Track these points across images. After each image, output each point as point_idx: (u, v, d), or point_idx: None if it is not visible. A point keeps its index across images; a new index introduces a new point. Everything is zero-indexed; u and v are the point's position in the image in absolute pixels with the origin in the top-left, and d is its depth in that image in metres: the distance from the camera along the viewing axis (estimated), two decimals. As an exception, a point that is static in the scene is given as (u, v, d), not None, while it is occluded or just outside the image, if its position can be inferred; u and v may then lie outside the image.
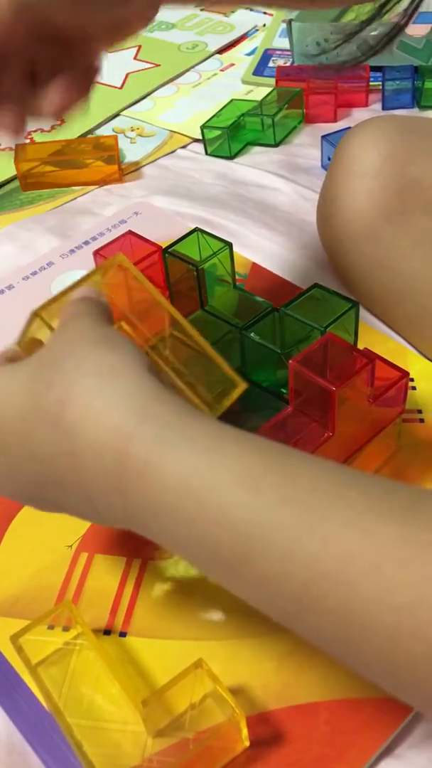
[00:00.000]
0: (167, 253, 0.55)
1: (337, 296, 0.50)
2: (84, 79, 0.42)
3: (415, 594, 0.24)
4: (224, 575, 0.28)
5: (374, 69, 0.88)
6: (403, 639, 0.24)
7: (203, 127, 0.83)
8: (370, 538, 0.25)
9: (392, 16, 0.45)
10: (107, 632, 0.44)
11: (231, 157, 0.83)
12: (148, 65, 1.00)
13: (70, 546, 0.48)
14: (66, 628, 0.44)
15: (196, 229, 0.56)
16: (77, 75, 0.42)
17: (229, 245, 0.55)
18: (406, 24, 0.48)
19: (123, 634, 0.44)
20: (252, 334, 0.52)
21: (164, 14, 1.11)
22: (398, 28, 0.48)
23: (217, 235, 0.57)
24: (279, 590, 0.27)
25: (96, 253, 0.57)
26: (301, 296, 0.50)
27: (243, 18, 1.09)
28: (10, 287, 0.68)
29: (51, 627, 0.44)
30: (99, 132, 0.89)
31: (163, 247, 0.57)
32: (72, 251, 0.71)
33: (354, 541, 0.25)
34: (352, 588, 0.25)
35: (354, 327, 0.51)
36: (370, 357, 0.47)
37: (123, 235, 0.58)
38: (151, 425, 0.29)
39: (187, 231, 0.57)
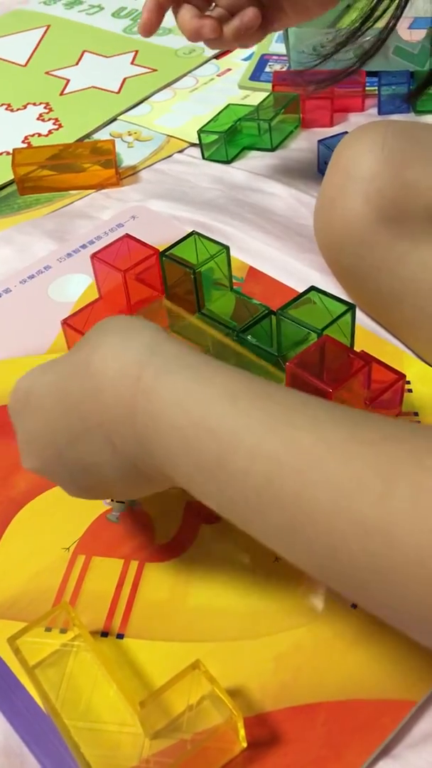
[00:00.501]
0: (164, 256, 0.55)
1: (334, 299, 0.51)
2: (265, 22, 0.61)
3: (355, 484, 0.28)
4: (206, 478, 0.32)
5: (370, 74, 0.88)
6: (341, 522, 0.28)
7: (200, 132, 0.83)
8: (322, 439, 0.29)
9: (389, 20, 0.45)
10: (104, 634, 0.44)
11: (228, 162, 0.83)
12: (146, 70, 1.00)
13: (68, 548, 0.48)
14: (63, 630, 0.44)
15: (193, 233, 0.56)
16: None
17: (226, 248, 0.55)
18: (394, 26, 0.48)
19: (120, 636, 0.44)
20: (249, 337, 0.52)
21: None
22: (388, 30, 0.49)
23: (213, 238, 0.57)
24: (245, 485, 0.30)
25: (93, 256, 0.57)
26: (297, 299, 0.51)
27: (240, 23, 1.09)
28: (7, 291, 0.68)
29: (48, 629, 0.44)
30: (96, 136, 0.90)
31: (160, 250, 0.57)
32: (69, 255, 0.71)
33: (308, 441, 0.29)
34: (303, 478, 0.29)
35: (350, 330, 0.51)
36: (367, 359, 0.47)
37: (120, 239, 0.58)
38: (159, 358, 0.34)
39: (184, 234, 0.58)
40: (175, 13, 0.65)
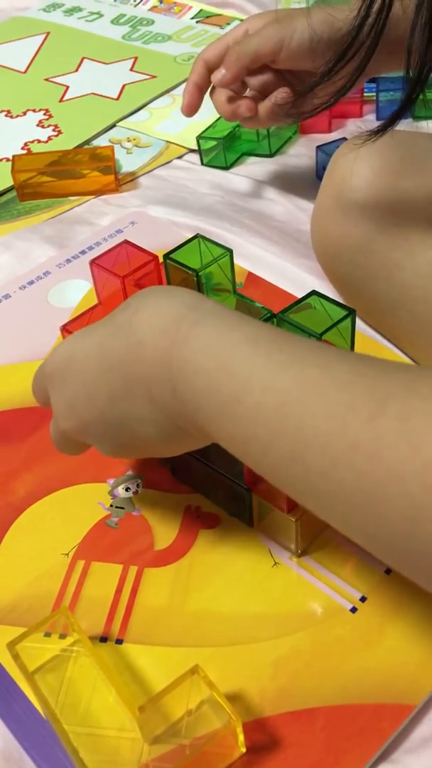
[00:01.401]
0: (168, 258, 0.56)
1: (335, 304, 0.51)
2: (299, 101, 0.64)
3: (348, 407, 0.29)
4: (224, 419, 0.34)
5: (369, 80, 0.88)
6: (335, 443, 0.29)
7: (199, 138, 0.84)
8: (328, 373, 0.31)
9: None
10: (104, 639, 0.44)
11: (226, 168, 0.84)
12: (145, 77, 1.01)
13: (67, 554, 0.48)
14: (63, 636, 0.44)
15: (197, 236, 0.56)
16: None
17: (230, 252, 0.55)
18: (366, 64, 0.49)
19: (119, 641, 0.44)
20: None
21: (160, 26, 1.12)
22: (359, 72, 0.49)
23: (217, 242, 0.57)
24: (256, 420, 0.32)
25: (92, 262, 0.57)
26: (298, 303, 0.51)
27: (238, 30, 1.09)
28: (6, 296, 0.69)
29: (48, 634, 0.44)
30: (95, 143, 0.90)
31: (162, 254, 0.58)
32: (68, 261, 0.72)
33: (315, 374, 0.31)
34: (306, 408, 0.30)
35: (351, 335, 0.51)
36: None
37: (119, 245, 0.58)
38: (196, 312, 0.36)
39: (183, 240, 0.58)
40: (212, 94, 0.70)
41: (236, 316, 0.36)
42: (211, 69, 0.69)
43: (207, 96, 0.71)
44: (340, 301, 0.62)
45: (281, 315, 0.50)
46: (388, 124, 0.50)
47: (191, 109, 0.72)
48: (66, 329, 0.55)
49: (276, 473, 0.33)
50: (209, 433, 0.36)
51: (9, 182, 0.82)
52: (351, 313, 0.49)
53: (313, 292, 0.51)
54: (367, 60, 0.47)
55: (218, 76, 0.68)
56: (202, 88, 0.71)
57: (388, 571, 0.45)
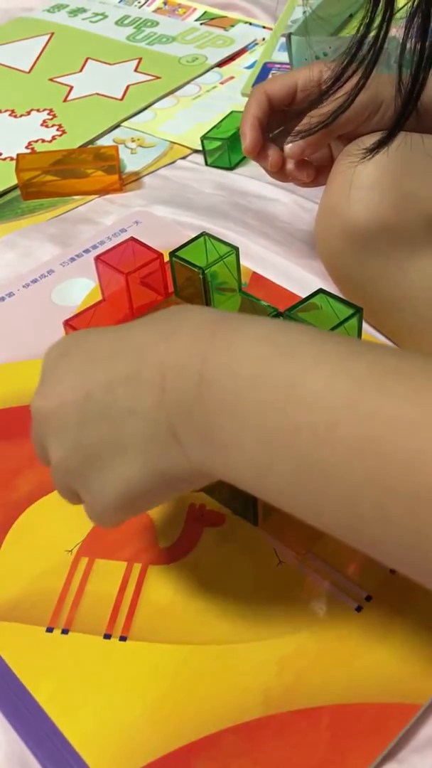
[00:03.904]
0: (174, 256, 0.56)
1: (341, 302, 0.51)
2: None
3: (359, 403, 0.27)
4: (275, 406, 0.30)
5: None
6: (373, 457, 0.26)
7: (203, 138, 0.84)
8: (406, 360, 0.28)
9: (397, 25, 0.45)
10: (107, 636, 0.44)
11: (231, 168, 0.84)
12: (149, 77, 1.01)
13: (70, 551, 0.48)
14: (65, 631, 0.44)
15: (203, 234, 0.56)
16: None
17: (236, 249, 0.55)
18: (363, 85, 0.49)
19: (123, 639, 0.44)
20: None
21: (164, 28, 1.12)
22: (357, 90, 0.49)
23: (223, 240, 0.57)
24: (318, 407, 0.28)
25: (97, 258, 0.57)
26: (305, 301, 0.51)
27: (242, 32, 1.10)
28: (10, 294, 0.68)
29: (50, 629, 0.43)
30: (100, 142, 0.90)
31: (164, 255, 0.57)
32: (72, 259, 0.71)
33: (394, 361, 0.28)
34: (385, 393, 0.27)
35: (357, 333, 0.51)
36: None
37: (125, 241, 0.58)
38: (240, 316, 0.34)
39: (188, 240, 0.58)
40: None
41: (291, 322, 0.34)
42: (273, 105, 0.62)
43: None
44: (345, 300, 0.62)
45: (288, 312, 0.50)
46: (383, 141, 0.50)
47: (256, 146, 0.62)
48: (69, 324, 0.55)
49: (327, 474, 0.28)
50: (223, 439, 0.31)
51: (13, 181, 0.82)
52: (358, 311, 0.49)
53: (320, 290, 0.51)
54: (366, 77, 0.47)
55: (296, 149, 0.60)
56: (263, 123, 0.62)
57: (394, 570, 0.45)
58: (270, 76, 0.97)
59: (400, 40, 0.42)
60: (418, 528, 0.26)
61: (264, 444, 0.30)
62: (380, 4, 0.42)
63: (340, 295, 0.63)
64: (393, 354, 0.29)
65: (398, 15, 0.42)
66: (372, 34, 0.43)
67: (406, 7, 0.41)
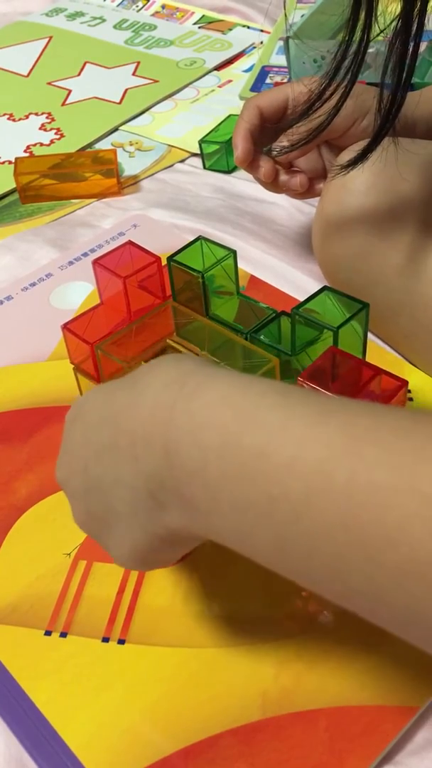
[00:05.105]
0: (172, 261, 0.56)
1: (347, 298, 0.51)
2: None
3: (411, 462, 0.25)
4: (244, 477, 0.29)
5: (370, 85, 0.88)
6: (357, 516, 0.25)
7: (201, 142, 0.84)
8: (379, 420, 0.27)
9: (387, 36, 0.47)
10: (106, 639, 0.44)
11: (228, 171, 0.84)
12: (147, 81, 1.01)
13: (69, 554, 0.48)
14: (63, 635, 0.44)
15: (199, 237, 0.56)
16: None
17: (233, 253, 0.55)
18: (344, 101, 0.50)
19: (121, 642, 0.44)
20: (261, 337, 0.52)
21: (162, 31, 1.12)
22: (335, 111, 0.51)
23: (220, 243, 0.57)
24: (291, 477, 0.27)
25: (95, 262, 0.57)
26: (311, 299, 0.51)
27: (240, 35, 1.10)
28: (8, 298, 0.68)
29: (48, 633, 0.44)
30: (98, 146, 0.90)
31: (162, 258, 0.58)
32: (70, 263, 0.72)
33: (366, 422, 0.27)
34: (361, 460, 0.26)
35: (364, 328, 0.51)
36: (376, 370, 0.47)
37: (123, 245, 0.58)
38: (209, 369, 0.33)
39: (185, 243, 0.58)
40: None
41: (253, 377, 0.32)
42: (265, 117, 0.63)
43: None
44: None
45: (295, 310, 0.50)
46: (359, 159, 0.51)
47: (247, 157, 0.63)
48: (67, 328, 0.55)
49: (310, 545, 0.27)
50: (200, 506, 0.31)
51: (11, 185, 0.82)
52: (365, 306, 0.49)
53: (325, 288, 0.51)
54: (343, 100, 0.49)
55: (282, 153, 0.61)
56: (255, 134, 0.63)
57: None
58: (268, 79, 0.97)
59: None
60: (409, 604, 0.25)
61: (241, 513, 0.29)
62: (360, 21, 0.42)
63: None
64: (364, 412, 0.27)
65: (381, 21, 0.43)
66: (353, 49, 0.45)
67: (391, 25, 0.42)
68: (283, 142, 0.60)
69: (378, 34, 0.44)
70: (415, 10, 0.41)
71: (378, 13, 0.43)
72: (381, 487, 0.25)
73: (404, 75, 0.44)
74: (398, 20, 0.42)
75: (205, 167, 0.85)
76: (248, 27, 1.12)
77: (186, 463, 0.31)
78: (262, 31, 1.10)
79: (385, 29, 0.43)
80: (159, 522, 0.34)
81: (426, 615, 0.24)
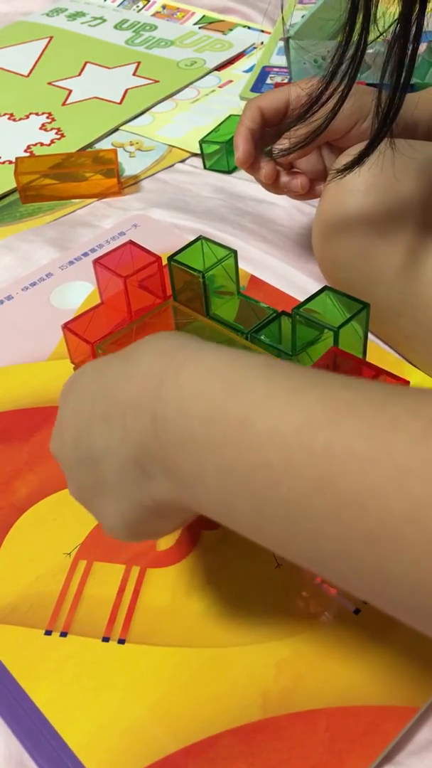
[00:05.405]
0: (173, 260, 0.56)
1: (348, 298, 0.51)
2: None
3: (387, 432, 0.26)
4: (227, 444, 0.30)
5: (370, 86, 0.88)
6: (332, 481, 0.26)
7: (202, 142, 0.84)
8: (359, 392, 0.28)
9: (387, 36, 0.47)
10: (106, 639, 0.44)
11: (229, 172, 0.84)
12: (148, 81, 1.01)
13: (69, 554, 0.48)
14: (64, 634, 0.44)
15: (200, 237, 0.56)
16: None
17: (234, 252, 0.55)
18: (326, 125, 0.51)
19: (122, 642, 0.44)
20: (262, 337, 0.52)
21: (163, 32, 1.12)
22: (332, 115, 0.51)
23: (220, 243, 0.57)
24: (272, 445, 0.28)
25: (96, 261, 0.57)
26: (311, 299, 0.51)
27: (241, 36, 1.10)
28: (9, 298, 0.68)
29: (48, 632, 0.44)
30: (98, 146, 0.90)
31: (162, 258, 0.58)
32: (71, 263, 0.72)
33: (346, 394, 0.28)
34: (338, 430, 0.27)
35: (365, 328, 0.51)
36: (377, 370, 0.47)
37: (123, 245, 0.58)
38: (199, 343, 0.34)
39: (185, 243, 0.58)
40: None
41: (241, 350, 0.33)
42: (266, 118, 0.63)
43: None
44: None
45: (296, 310, 0.50)
46: (356, 162, 0.51)
47: (248, 158, 0.63)
48: (68, 327, 0.55)
49: (288, 511, 0.28)
50: (184, 476, 0.31)
51: (12, 184, 0.82)
52: (365, 306, 0.49)
53: (326, 288, 0.51)
54: (340, 104, 0.49)
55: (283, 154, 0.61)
56: (256, 135, 0.63)
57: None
58: (268, 80, 0.97)
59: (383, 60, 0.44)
60: (380, 564, 0.25)
61: (223, 482, 0.30)
62: (357, 23, 0.43)
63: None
64: (345, 386, 0.28)
65: (380, 24, 0.43)
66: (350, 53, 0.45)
67: (389, 29, 0.42)
68: (284, 143, 0.60)
69: (375, 39, 0.44)
70: (414, 14, 0.41)
71: (377, 17, 0.43)
72: (357, 455, 0.26)
73: (402, 79, 0.44)
74: (396, 24, 0.42)
75: (205, 167, 0.85)
76: (249, 27, 1.12)
77: (172, 432, 0.31)
78: (262, 31, 1.10)
79: (382, 33, 0.43)
80: (146, 492, 0.34)
81: (394, 576, 0.25)
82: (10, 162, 0.87)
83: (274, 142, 0.63)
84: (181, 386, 0.32)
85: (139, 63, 1.05)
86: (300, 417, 0.27)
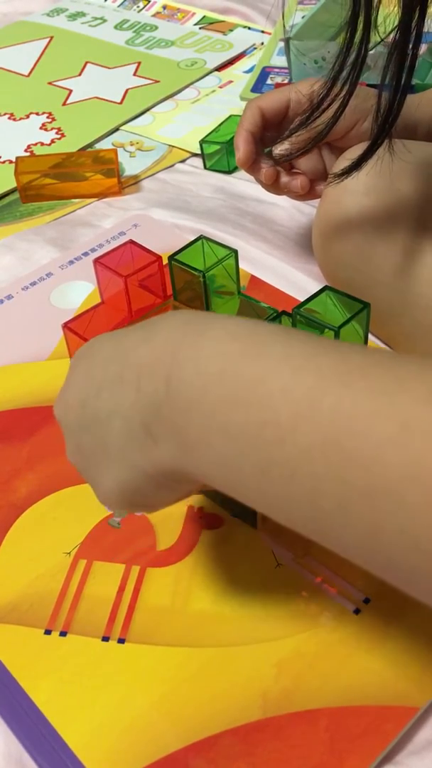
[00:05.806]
0: (173, 260, 0.56)
1: (348, 298, 0.51)
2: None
3: (393, 392, 0.27)
4: (239, 402, 0.30)
5: (370, 87, 0.88)
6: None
7: (202, 142, 0.84)
8: (370, 357, 0.29)
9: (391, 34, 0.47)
10: (105, 639, 0.44)
11: (229, 172, 0.84)
12: (148, 81, 1.01)
13: (69, 553, 0.48)
14: (63, 634, 0.43)
15: (200, 237, 0.56)
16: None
17: (234, 252, 0.55)
18: (342, 110, 0.51)
19: (121, 641, 0.44)
20: None
21: (163, 32, 1.12)
22: (334, 120, 0.51)
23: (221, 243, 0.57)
24: (283, 402, 0.29)
25: (96, 261, 0.57)
26: (312, 299, 0.51)
27: (241, 36, 1.10)
28: (9, 297, 0.68)
29: (48, 632, 0.43)
30: (99, 146, 0.90)
31: (162, 258, 0.58)
32: (71, 262, 0.72)
33: (358, 358, 0.29)
34: (347, 389, 0.27)
35: (365, 328, 0.51)
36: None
37: (124, 244, 0.58)
38: (219, 315, 0.34)
39: (186, 243, 0.58)
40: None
41: (262, 321, 0.34)
42: (266, 119, 0.63)
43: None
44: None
45: (296, 310, 0.50)
46: (355, 166, 0.51)
47: (249, 159, 0.63)
48: (68, 327, 0.55)
49: (291, 469, 0.28)
50: (191, 439, 0.32)
51: (12, 184, 0.82)
52: (366, 306, 0.50)
53: (326, 288, 0.51)
54: (342, 110, 0.49)
55: (282, 154, 0.62)
56: (256, 136, 0.63)
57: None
58: (269, 80, 0.97)
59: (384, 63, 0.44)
60: (377, 521, 0.26)
61: (230, 441, 0.30)
62: (359, 27, 0.43)
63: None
64: (359, 351, 0.29)
65: (381, 29, 0.43)
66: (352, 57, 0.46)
67: (390, 34, 0.42)
68: (284, 144, 0.60)
69: (376, 45, 0.44)
70: (413, 20, 0.41)
71: (378, 22, 0.43)
72: (362, 413, 0.26)
73: (402, 83, 0.44)
74: (397, 30, 0.42)
75: (205, 167, 0.85)
76: (249, 28, 1.12)
77: (185, 391, 0.32)
78: (263, 32, 1.10)
79: (383, 39, 0.43)
80: (148, 456, 0.34)
81: (391, 534, 0.26)
82: (11, 161, 0.87)
83: (275, 143, 0.63)
84: (200, 348, 0.32)
85: (139, 63, 1.05)
86: (312, 377, 0.28)
